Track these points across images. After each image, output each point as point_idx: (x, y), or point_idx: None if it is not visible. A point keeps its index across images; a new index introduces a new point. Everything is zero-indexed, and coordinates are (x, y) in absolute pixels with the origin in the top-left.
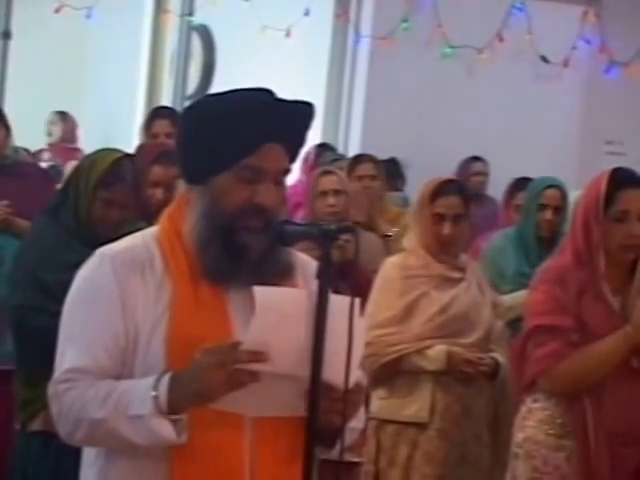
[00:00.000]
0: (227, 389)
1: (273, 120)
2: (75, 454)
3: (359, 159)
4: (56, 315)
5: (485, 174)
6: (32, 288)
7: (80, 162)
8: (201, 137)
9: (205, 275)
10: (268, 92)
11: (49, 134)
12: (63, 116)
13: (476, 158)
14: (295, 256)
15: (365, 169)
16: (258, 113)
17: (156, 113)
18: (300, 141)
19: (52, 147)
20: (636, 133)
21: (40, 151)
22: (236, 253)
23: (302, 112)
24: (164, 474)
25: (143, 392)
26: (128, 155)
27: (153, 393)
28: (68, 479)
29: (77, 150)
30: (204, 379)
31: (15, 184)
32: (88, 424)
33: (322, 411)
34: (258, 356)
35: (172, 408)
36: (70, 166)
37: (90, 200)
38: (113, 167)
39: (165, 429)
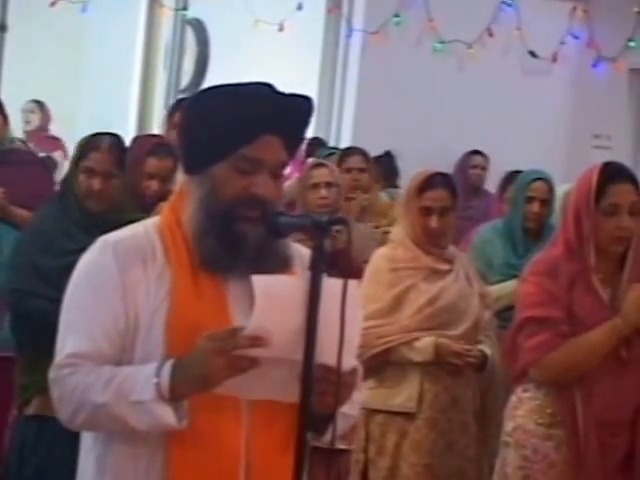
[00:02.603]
0: (228, 374)
1: (270, 111)
2: (70, 437)
3: (348, 152)
4: (52, 300)
5: (483, 167)
6: (29, 273)
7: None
8: (199, 127)
9: (202, 264)
10: (268, 86)
11: (27, 122)
12: (40, 105)
13: (476, 152)
14: (293, 248)
15: (354, 162)
16: (256, 104)
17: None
18: (299, 135)
19: (31, 135)
20: (623, 127)
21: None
22: (233, 242)
23: (300, 105)
24: (161, 460)
25: (145, 378)
26: (110, 134)
27: (155, 380)
28: (63, 462)
29: (58, 139)
30: (205, 365)
31: (11, 172)
32: (89, 408)
33: (317, 393)
34: (258, 341)
35: (173, 394)
36: (58, 155)
37: (76, 174)
38: (90, 139)
39: (166, 415)
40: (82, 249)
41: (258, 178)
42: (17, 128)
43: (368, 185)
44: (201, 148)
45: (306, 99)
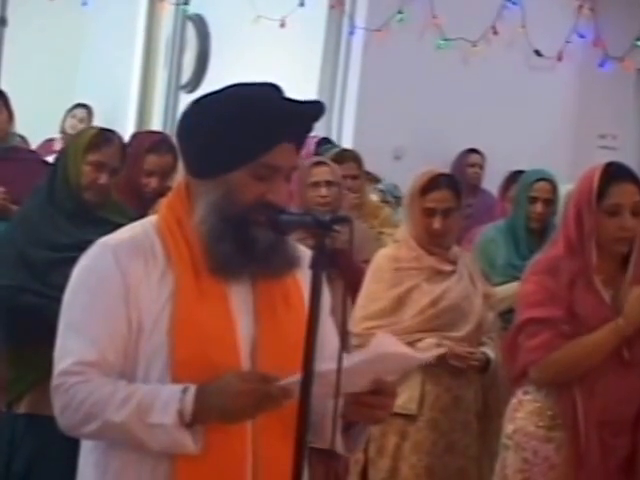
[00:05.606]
0: (252, 415)
1: (289, 121)
2: (60, 436)
3: (342, 157)
4: (40, 295)
5: (481, 166)
6: (18, 266)
7: (67, 140)
8: (216, 134)
9: (213, 269)
10: (275, 87)
11: (73, 128)
12: (89, 112)
13: (473, 150)
14: (298, 249)
15: (347, 169)
16: (275, 114)
17: None
18: (306, 136)
19: (66, 136)
20: (629, 127)
21: (51, 140)
22: (246, 247)
23: (314, 112)
24: (166, 466)
25: (165, 401)
26: (112, 130)
27: (178, 406)
28: (52, 460)
29: None
30: (231, 403)
31: (13, 170)
32: (101, 423)
33: (366, 406)
34: (288, 392)
35: (194, 421)
36: None
37: (79, 164)
38: (101, 132)
39: (185, 440)
40: (72, 244)
41: (274, 185)
42: (48, 125)
43: (359, 188)
44: (217, 155)
45: (319, 104)
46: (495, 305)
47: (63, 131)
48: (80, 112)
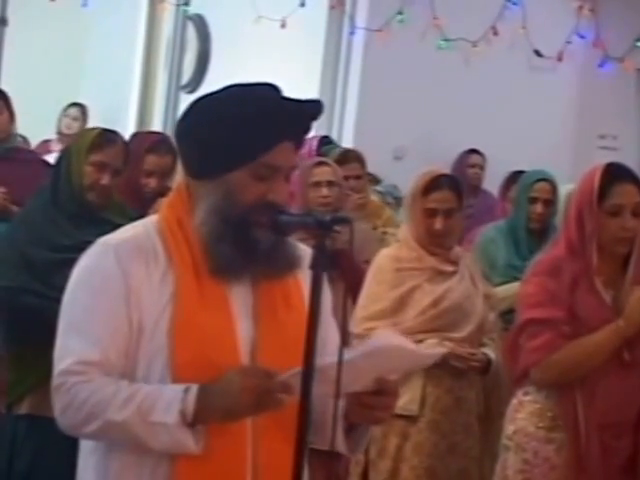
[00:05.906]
0: (255, 412)
1: (289, 120)
2: (61, 437)
3: (344, 158)
4: (42, 296)
5: (481, 166)
6: (19, 267)
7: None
8: (215, 135)
9: (214, 271)
10: (273, 87)
11: (68, 128)
12: (83, 111)
13: (473, 150)
14: (299, 248)
15: (351, 169)
16: (275, 113)
17: None
18: (305, 135)
19: (62, 136)
20: (629, 128)
21: (48, 141)
22: (246, 248)
23: (314, 111)
24: (165, 467)
25: (168, 400)
26: (114, 130)
27: (180, 406)
28: (54, 461)
29: None
30: (234, 399)
31: (14, 170)
32: (103, 423)
33: (368, 407)
34: (290, 389)
35: (195, 420)
36: None
37: (82, 165)
38: (104, 133)
39: (187, 440)
40: (73, 246)
41: (275, 185)
42: (48, 126)
43: (362, 187)
44: (218, 155)
45: (318, 103)
46: (495, 305)
47: (59, 131)
48: (74, 111)
